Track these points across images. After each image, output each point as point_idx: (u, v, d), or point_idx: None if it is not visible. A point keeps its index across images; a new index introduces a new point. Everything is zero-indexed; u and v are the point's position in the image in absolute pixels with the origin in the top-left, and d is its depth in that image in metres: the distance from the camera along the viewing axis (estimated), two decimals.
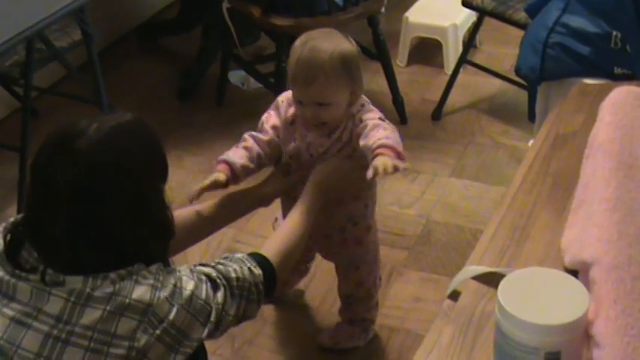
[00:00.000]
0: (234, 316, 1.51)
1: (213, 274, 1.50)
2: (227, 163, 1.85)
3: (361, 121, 1.84)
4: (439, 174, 2.85)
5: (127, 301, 1.33)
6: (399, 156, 1.73)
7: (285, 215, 1.97)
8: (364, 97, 1.91)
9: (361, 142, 1.80)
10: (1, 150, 2.75)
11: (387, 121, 1.86)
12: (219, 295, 1.48)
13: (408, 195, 2.75)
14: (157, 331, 1.35)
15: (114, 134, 1.38)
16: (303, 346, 2.21)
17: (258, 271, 1.58)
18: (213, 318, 1.45)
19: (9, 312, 1.35)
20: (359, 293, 2.14)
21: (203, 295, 1.44)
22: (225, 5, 2.91)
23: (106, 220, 1.36)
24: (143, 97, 3.32)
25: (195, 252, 2.52)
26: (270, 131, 1.91)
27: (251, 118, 2.13)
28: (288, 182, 1.93)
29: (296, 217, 1.75)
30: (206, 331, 1.44)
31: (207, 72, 3.33)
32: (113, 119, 1.41)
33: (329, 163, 1.85)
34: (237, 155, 1.87)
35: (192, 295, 1.41)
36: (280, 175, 1.94)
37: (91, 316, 1.32)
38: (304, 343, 2.21)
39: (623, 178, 1.37)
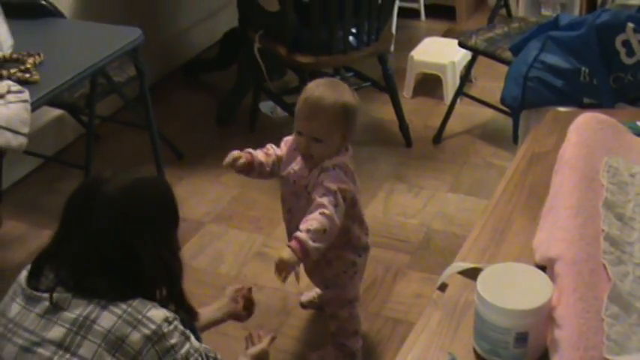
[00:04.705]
0: None
1: None
2: (251, 154, 1.90)
3: (322, 183, 1.78)
4: (439, 189, 2.86)
5: (122, 344, 1.31)
6: (303, 251, 1.69)
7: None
8: (340, 159, 1.83)
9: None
10: (68, 168, 2.79)
11: (338, 195, 1.77)
12: None
13: (412, 207, 2.77)
14: None
15: (135, 185, 1.40)
16: (320, 333, 2.21)
17: None
18: None
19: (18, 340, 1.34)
20: (329, 311, 2.07)
21: None
22: (256, 46, 2.93)
23: (115, 250, 1.36)
24: (187, 123, 3.35)
25: (230, 254, 2.58)
26: (284, 148, 1.94)
27: (278, 141, 2.15)
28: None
29: None
30: None
31: (242, 102, 3.35)
32: (138, 173, 1.43)
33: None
34: (259, 154, 1.92)
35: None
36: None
37: (89, 348, 1.31)
38: (320, 329, 2.22)
39: (585, 189, 1.37)
